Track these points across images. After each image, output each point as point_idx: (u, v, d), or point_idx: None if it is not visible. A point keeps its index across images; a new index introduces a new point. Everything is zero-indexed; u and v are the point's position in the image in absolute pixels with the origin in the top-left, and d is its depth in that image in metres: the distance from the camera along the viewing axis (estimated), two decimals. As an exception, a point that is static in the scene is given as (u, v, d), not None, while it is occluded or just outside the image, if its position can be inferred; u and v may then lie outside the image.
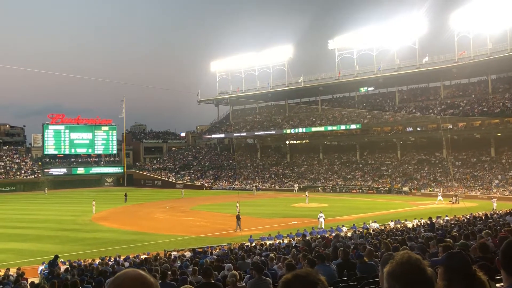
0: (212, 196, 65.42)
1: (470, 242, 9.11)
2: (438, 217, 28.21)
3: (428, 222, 23.25)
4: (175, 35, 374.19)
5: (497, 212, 29.21)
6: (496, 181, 57.15)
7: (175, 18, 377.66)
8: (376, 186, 66.78)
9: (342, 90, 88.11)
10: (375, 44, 77.28)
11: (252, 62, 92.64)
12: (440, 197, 48.97)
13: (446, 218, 28.14)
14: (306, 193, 55.65)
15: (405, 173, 68.33)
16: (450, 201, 46.24)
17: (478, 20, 64.91)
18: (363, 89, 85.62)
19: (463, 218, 26.23)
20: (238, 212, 34.60)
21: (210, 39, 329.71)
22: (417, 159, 71.09)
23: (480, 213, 30.16)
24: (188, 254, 20.21)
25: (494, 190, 54.52)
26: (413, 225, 25.56)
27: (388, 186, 65.23)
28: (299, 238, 23.79)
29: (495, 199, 42.18)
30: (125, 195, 58.30)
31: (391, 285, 2.04)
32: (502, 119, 63.25)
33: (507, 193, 53.00)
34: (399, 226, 26.95)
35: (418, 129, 74.76)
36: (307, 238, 20.75)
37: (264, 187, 74.94)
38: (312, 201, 51.63)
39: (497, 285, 2.89)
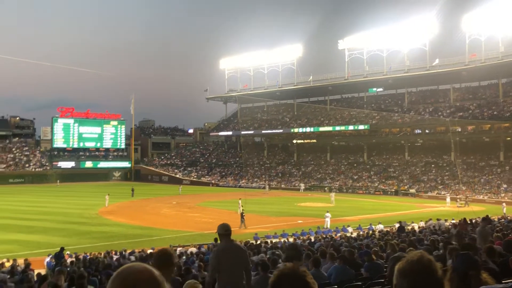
0: (218, 193, 65.54)
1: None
2: (438, 220, 28.06)
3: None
4: (185, 32, 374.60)
5: (506, 217, 28.99)
6: (505, 186, 56.69)
7: (185, 15, 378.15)
8: (383, 187, 66.49)
9: (351, 90, 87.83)
10: (386, 45, 76.89)
11: (262, 60, 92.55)
12: (448, 199, 48.69)
13: (453, 221, 27.95)
14: (332, 194, 52.03)
15: (412, 175, 67.96)
16: (459, 205, 46.00)
17: (491, 23, 64.35)
18: (372, 90, 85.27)
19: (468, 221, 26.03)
20: (242, 210, 34.54)
21: (219, 37, 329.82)
22: (424, 161, 70.65)
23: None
24: (193, 250, 20.28)
25: (502, 195, 54.09)
26: (419, 227, 25.47)
27: (395, 188, 64.91)
28: (304, 238, 23.77)
29: (505, 204, 41.78)
30: (132, 190, 58.50)
31: (399, 283, 2.05)
32: (512, 123, 62.65)
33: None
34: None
35: (427, 131, 74.28)
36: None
37: (270, 186, 74.94)
38: (318, 200, 51.47)
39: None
